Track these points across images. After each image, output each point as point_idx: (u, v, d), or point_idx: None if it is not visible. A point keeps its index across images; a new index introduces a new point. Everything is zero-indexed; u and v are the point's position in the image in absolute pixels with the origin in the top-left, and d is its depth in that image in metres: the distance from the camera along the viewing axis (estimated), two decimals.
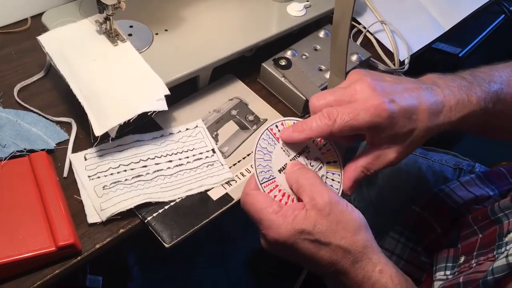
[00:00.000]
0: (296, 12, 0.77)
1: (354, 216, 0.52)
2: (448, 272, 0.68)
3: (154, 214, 0.59)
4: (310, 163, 0.57)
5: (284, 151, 0.56)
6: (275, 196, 0.53)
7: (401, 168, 0.89)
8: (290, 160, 0.56)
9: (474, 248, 0.64)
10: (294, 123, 0.56)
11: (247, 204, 0.52)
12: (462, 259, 0.65)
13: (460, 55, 1.38)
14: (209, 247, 1.33)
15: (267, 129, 0.56)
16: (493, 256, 0.59)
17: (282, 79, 0.72)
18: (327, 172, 0.57)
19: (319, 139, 0.58)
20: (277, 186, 0.54)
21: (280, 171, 0.55)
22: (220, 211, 0.61)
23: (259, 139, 0.55)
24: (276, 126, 0.56)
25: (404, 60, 0.82)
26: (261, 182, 0.53)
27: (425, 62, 1.36)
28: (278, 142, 0.56)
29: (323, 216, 0.50)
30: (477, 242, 0.64)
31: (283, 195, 0.54)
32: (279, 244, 0.51)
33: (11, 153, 0.60)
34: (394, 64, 0.81)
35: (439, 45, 1.38)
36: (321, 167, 0.57)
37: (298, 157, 0.57)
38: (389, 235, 0.82)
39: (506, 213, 0.63)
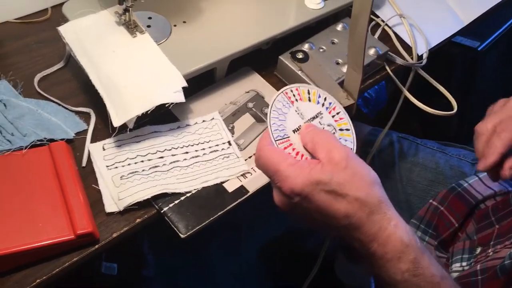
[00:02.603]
0: (314, 5, 0.76)
1: (370, 171, 0.52)
2: (464, 264, 0.68)
3: (170, 205, 0.60)
4: (323, 128, 0.57)
5: (298, 114, 0.57)
6: (289, 154, 0.54)
7: (418, 162, 0.88)
8: (304, 122, 0.57)
9: (491, 239, 0.64)
10: (308, 90, 0.58)
11: (262, 158, 0.53)
12: (479, 250, 0.65)
13: (479, 49, 1.36)
14: (223, 235, 1.33)
15: (282, 92, 0.57)
16: (510, 243, 0.59)
17: (299, 72, 0.72)
18: (339, 138, 0.58)
19: (332, 107, 0.59)
20: (291, 144, 0.55)
21: (294, 131, 0.56)
22: (235, 203, 0.61)
23: (274, 100, 0.56)
24: (291, 91, 0.58)
25: (422, 55, 0.82)
26: (275, 139, 0.54)
27: (443, 55, 1.34)
28: (292, 105, 0.57)
29: (340, 169, 0.50)
30: (494, 233, 0.65)
31: (297, 153, 0.55)
32: (294, 195, 0.51)
33: (32, 142, 0.61)
34: (412, 58, 0.81)
35: (458, 38, 1.36)
36: (334, 132, 0.58)
37: (312, 121, 0.58)
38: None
39: None
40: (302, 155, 0.55)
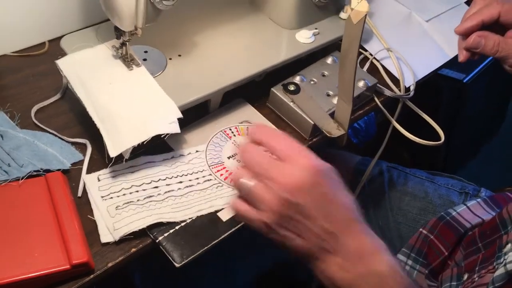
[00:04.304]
0: (305, 39, 0.79)
1: None
2: None
3: (165, 234, 0.60)
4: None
5: (234, 144, 0.71)
6: (221, 175, 0.67)
7: (408, 191, 0.90)
8: None
9: (476, 264, 0.65)
10: (247, 127, 0.73)
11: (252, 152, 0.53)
12: (466, 276, 0.66)
13: (464, 81, 1.39)
14: (216, 266, 1.33)
15: (221, 130, 0.72)
16: (493, 267, 0.60)
17: (291, 104, 0.74)
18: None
19: None
20: (224, 167, 0.68)
21: (229, 158, 0.69)
22: (229, 232, 0.62)
23: (212, 137, 0.71)
24: (230, 129, 0.73)
25: (409, 87, 0.84)
26: (209, 165, 0.68)
27: (431, 87, 1.38)
28: (230, 139, 0.71)
29: None
30: (479, 258, 0.66)
31: (230, 174, 0.67)
32: (322, 166, 0.51)
33: (28, 173, 0.61)
34: (400, 90, 0.83)
35: (444, 71, 1.40)
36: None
37: None
38: (396, 257, 0.82)
39: None
40: None
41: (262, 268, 1.33)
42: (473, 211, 0.81)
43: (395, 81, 0.85)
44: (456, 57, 0.92)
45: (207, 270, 1.32)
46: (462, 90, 1.40)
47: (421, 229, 0.82)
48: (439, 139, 0.80)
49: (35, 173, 0.62)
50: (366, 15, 0.58)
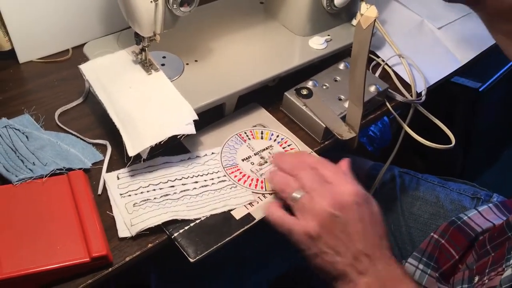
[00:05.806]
0: (318, 45, 0.81)
1: None
2: None
3: (180, 231, 0.63)
4: (273, 156, 0.71)
5: (249, 147, 0.73)
6: (235, 177, 0.69)
7: (419, 196, 0.91)
8: (254, 154, 0.72)
9: (487, 266, 0.66)
10: (262, 131, 0.75)
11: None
12: (477, 278, 0.67)
13: (480, 89, 1.39)
14: (228, 270, 1.34)
15: (236, 134, 0.75)
16: (502, 269, 0.61)
17: (304, 108, 0.76)
18: None
19: (284, 141, 0.74)
20: (239, 169, 0.70)
21: (243, 160, 0.72)
22: (242, 229, 0.64)
23: (228, 140, 0.74)
24: (245, 132, 0.75)
25: (421, 92, 0.86)
26: (224, 166, 0.70)
27: (445, 95, 1.39)
28: (244, 142, 0.74)
29: None
30: (489, 261, 0.66)
31: (243, 175, 0.69)
32: (360, 196, 0.58)
33: (52, 171, 0.64)
34: (411, 95, 0.85)
35: (459, 79, 1.40)
36: None
37: (262, 152, 0.73)
38: (407, 261, 0.83)
39: None
40: (249, 176, 0.69)
41: (275, 274, 1.34)
42: (484, 215, 0.81)
43: (407, 86, 0.86)
44: (470, 64, 0.93)
45: (221, 275, 1.34)
46: (477, 99, 1.40)
47: (432, 234, 0.83)
48: (451, 143, 0.81)
49: (58, 171, 0.65)
50: (375, 20, 0.60)
